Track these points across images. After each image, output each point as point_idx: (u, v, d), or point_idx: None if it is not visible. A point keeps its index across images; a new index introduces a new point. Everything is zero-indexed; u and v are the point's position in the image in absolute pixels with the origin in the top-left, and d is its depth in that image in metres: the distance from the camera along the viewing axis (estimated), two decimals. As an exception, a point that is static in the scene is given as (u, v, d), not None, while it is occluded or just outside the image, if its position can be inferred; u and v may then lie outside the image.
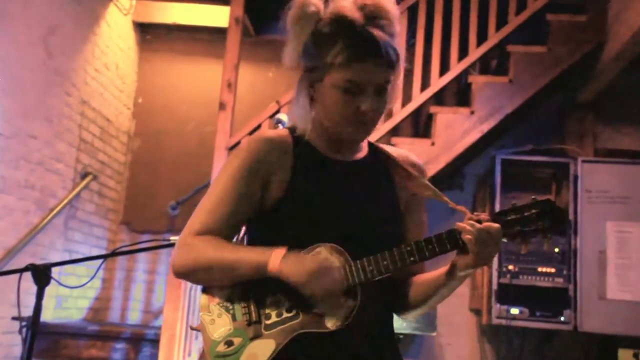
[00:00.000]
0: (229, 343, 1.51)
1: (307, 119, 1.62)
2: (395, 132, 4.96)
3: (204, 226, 1.57)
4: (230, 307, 1.55)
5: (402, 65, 1.60)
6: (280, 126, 3.35)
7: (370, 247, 1.50)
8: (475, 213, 1.47)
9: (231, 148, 4.81)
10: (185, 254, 1.57)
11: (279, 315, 1.51)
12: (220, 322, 1.54)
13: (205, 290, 1.60)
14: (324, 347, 1.51)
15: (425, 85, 4.84)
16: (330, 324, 1.47)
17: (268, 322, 1.51)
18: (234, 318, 1.53)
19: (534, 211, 1.46)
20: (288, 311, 1.51)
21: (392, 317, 1.68)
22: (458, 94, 5.51)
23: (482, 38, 4.86)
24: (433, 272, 1.61)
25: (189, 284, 4.05)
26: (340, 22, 1.53)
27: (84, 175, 5.20)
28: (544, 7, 4.86)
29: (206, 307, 1.57)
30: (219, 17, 5.65)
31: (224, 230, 1.58)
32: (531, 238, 1.47)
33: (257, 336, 1.50)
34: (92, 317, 5.56)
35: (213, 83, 5.36)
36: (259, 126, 4.82)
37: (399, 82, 1.62)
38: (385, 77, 1.55)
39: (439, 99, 5.17)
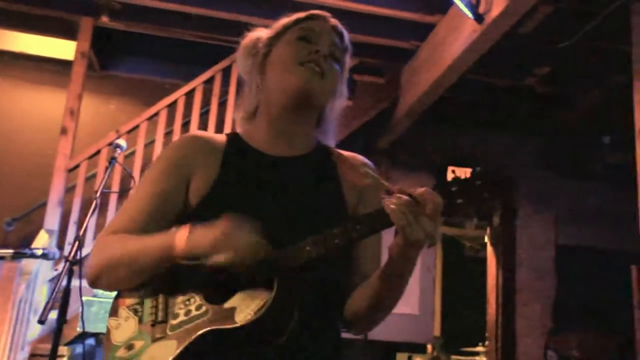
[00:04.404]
0: (130, 347, 1.24)
1: (255, 98, 1.43)
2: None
3: (120, 226, 1.33)
4: (140, 309, 1.28)
5: (348, 60, 1.45)
6: (119, 150, 3.33)
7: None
8: (412, 189, 1.14)
9: (70, 170, 4.79)
10: (92, 255, 1.32)
11: (187, 314, 1.22)
12: (127, 326, 1.27)
13: (117, 295, 1.33)
14: (230, 348, 1.19)
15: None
16: (240, 318, 1.16)
17: (175, 322, 1.22)
18: (140, 320, 1.26)
19: (477, 182, 1.15)
20: (197, 309, 1.21)
21: (332, 325, 1.34)
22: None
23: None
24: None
25: (18, 295, 3.87)
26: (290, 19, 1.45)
27: None
28: (351, 69, 5.19)
29: (115, 311, 1.30)
30: (66, 50, 5.59)
31: (143, 233, 1.30)
32: (477, 211, 1.17)
33: (160, 338, 1.22)
34: None
35: (57, 111, 5.26)
36: (98, 151, 4.84)
37: (344, 84, 1.45)
38: (337, 43, 1.40)
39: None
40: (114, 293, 1.34)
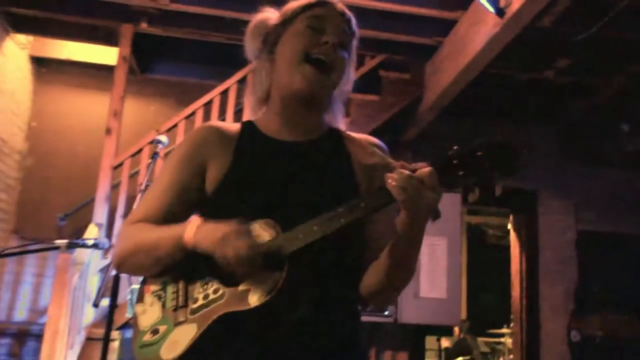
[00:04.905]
0: (155, 331, 1.28)
1: (265, 84, 1.43)
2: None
3: (142, 216, 1.35)
4: (163, 294, 1.31)
5: (355, 45, 1.44)
6: (160, 146, 3.49)
7: None
8: (413, 164, 1.14)
9: (115, 167, 4.98)
10: (117, 243, 1.36)
11: (205, 297, 1.24)
12: (152, 311, 1.30)
13: (143, 282, 1.36)
14: (245, 328, 1.21)
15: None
16: (253, 300, 1.17)
17: (194, 305, 1.25)
18: (163, 306, 1.30)
19: (479, 153, 1.11)
20: (215, 292, 1.23)
21: (347, 303, 1.32)
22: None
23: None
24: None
25: (72, 284, 4.05)
26: (299, 5, 1.44)
27: (-25, 189, 5.08)
28: (377, 65, 5.35)
29: (141, 297, 1.34)
30: (108, 56, 5.77)
31: (163, 221, 1.33)
32: (478, 182, 1.13)
33: (182, 322, 1.25)
34: (-21, 317, 5.36)
35: (101, 113, 5.46)
36: (140, 150, 5.02)
37: (351, 69, 1.44)
38: (345, 29, 1.40)
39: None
40: None
